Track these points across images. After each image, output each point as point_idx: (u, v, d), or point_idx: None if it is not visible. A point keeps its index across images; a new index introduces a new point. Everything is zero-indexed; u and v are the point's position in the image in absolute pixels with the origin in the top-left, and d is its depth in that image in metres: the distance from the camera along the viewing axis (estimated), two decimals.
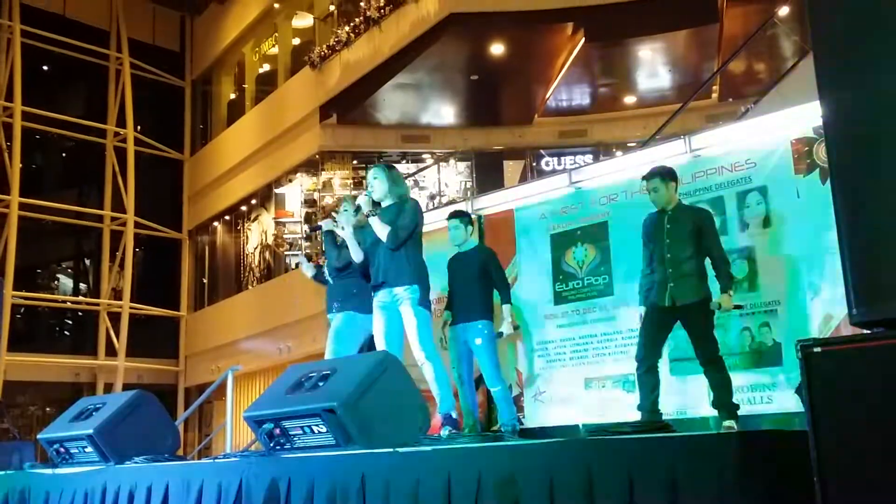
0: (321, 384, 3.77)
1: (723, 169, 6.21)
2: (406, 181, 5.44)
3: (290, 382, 3.98)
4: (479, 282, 6.18)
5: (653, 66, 15.77)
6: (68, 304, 21.33)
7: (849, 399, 2.24)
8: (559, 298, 7.02)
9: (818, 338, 2.38)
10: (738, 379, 5.54)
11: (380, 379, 3.66)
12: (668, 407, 5.50)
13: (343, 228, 5.42)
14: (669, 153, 6.49)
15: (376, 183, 5.23)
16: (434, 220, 7.47)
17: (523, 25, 14.25)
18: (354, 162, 18.33)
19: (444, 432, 4.83)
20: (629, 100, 16.95)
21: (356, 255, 5.37)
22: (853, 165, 2.30)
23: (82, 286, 21.67)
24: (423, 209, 5.47)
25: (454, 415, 5.03)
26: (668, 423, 4.17)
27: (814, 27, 2.45)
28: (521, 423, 6.60)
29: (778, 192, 5.89)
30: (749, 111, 9.44)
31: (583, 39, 14.24)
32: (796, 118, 5.82)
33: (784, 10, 11.32)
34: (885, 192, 2.22)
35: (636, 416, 5.29)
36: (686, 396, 6.01)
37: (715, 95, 15.39)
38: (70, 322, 21.83)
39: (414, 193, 16.58)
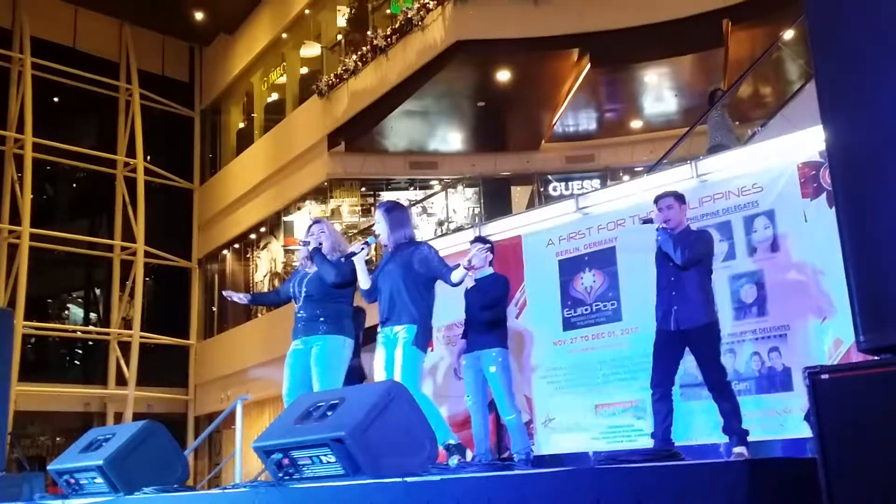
0: (329, 414, 3.76)
1: (730, 193, 6.21)
2: (412, 214, 5.43)
3: (299, 412, 3.97)
4: (492, 310, 6.18)
5: (659, 90, 15.81)
6: (79, 333, 21.37)
7: (858, 426, 2.22)
8: (568, 324, 7.01)
9: (826, 364, 2.36)
10: (749, 404, 5.51)
11: (388, 408, 3.66)
12: (680, 433, 5.46)
13: (355, 254, 5.29)
14: (676, 178, 6.51)
15: (378, 226, 5.36)
16: (443, 247, 7.48)
17: (529, 52, 14.33)
18: (363, 189, 18.41)
19: (453, 461, 4.82)
20: (636, 124, 16.98)
21: (365, 282, 5.32)
22: (857, 191, 2.30)
23: (92, 316, 21.72)
24: (432, 235, 5.51)
25: (453, 441, 5.03)
26: (677, 451, 4.15)
27: (815, 52, 2.46)
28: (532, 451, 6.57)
29: (785, 216, 5.89)
30: (756, 135, 9.45)
31: (589, 65, 14.30)
32: (803, 142, 5.83)
33: (789, 34, 11.35)
34: (890, 217, 2.22)
35: (648, 442, 5.26)
36: (697, 422, 5.98)
37: None
38: (80, 352, 21.85)
39: (422, 220, 16.63)
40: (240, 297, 5.94)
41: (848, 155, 2.34)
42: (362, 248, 5.25)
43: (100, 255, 20.83)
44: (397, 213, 5.40)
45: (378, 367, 5.23)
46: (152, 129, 21.61)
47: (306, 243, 5.55)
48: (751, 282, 5.97)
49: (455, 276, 4.99)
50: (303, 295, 5.51)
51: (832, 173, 2.39)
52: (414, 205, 16.82)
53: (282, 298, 6.12)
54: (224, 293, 6.21)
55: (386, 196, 17.81)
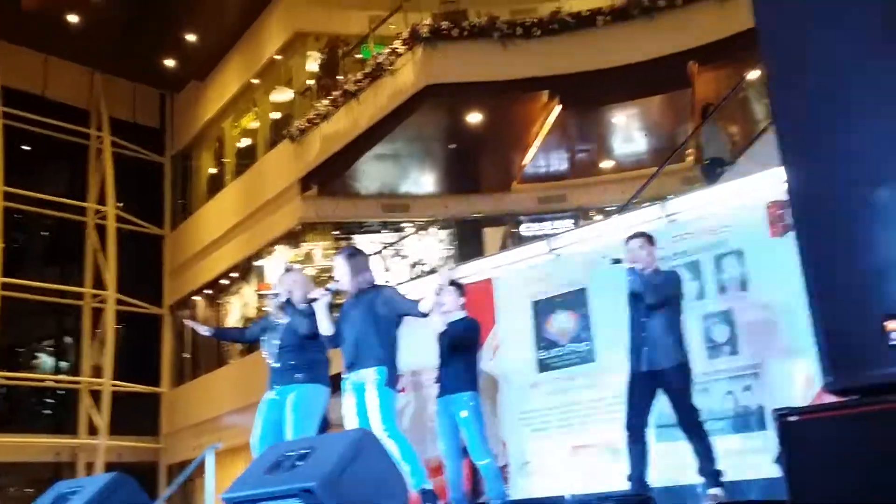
0: (299, 463, 3.71)
1: (699, 233, 6.24)
2: (371, 262, 5.51)
3: (269, 462, 3.91)
4: (464, 353, 6.15)
5: (628, 131, 15.97)
6: (49, 382, 21.03)
7: (827, 467, 2.22)
8: (542, 366, 6.99)
9: (794, 406, 2.36)
10: (724, 444, 5.50)
11: (358, 456, 3.61)
12: (657, 474, 5.43)
13: (316, 300, 5.29)
14: (646, 218, 6.56)
15: (339, 272, 5.34)
16: (415, 291, 7.45)
17: (499, 94, 14.43)
18: (336, 233, 18.33)
19: None
20: (606, 164, 17.12)
21: (327, 328, 5.29)
22: (818, 236, 2.32)
23: (63, 364, 21.41)
24: (406, 277, 5.54)
25: (428, 487, 4.99)
26: (650, 495, 4.13)
27: (774, 98, 2.49)
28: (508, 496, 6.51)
29: (754, 255, 5.93)
30: (724, 174, 9.55)
31: (558, 106, 14.43)
32: (771, 181, 5.86)
33: (754, 74, 11.54)
34: (851, 260, 2.23)
35: (626, 485, 5.23)
36: (674, 463, 5.94)
37: (690, 159, 15.55)
38: (51, 401, 21.51)
39: (395, 262, 16.61)
40: (202, 329, 5.99)
41: (808, 200, 2.36)
42: (323, 295, 5.23)
43: (70, 303, 20.60)
44: (358, 259, 5.40)
45: (349, 413, 5.17)
46: (123, 176, 21.45)
47: (276, 295, 5.58)
48: (722, 321, 5.99)
49: (424, 305, 4.97)
50: (276, 346, 5.52)
51: (794, 217, 2.41)
52: (387, 247, 16.80)
53: (247, 338, 6.18)
54: (186, 322, 6.31)
55: (359, 239, 17.77)
